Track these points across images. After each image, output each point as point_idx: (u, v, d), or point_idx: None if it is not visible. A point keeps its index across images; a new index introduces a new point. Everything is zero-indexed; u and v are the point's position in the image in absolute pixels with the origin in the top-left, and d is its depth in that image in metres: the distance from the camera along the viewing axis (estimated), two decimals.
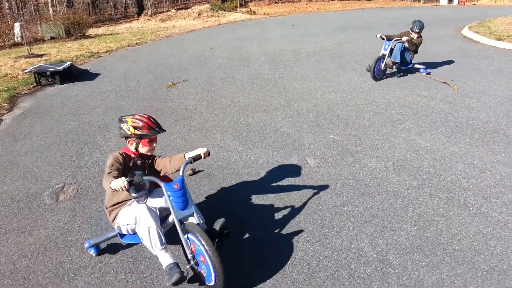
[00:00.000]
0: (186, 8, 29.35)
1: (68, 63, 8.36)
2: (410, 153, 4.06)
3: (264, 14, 25.60)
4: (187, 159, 2.55)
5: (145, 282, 2.42)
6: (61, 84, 7.85)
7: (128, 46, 13.49)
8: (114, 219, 2.56)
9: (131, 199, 2.57)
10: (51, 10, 25.67)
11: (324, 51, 10.26)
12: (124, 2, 35.39)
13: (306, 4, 33.28)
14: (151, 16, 26.08)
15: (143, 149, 2.59)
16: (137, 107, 6.21)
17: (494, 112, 5.12)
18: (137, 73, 8.70)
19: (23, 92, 7.52)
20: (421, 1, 33.90)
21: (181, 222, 2.30)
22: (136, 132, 2.44)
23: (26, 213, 3.30)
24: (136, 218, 2.37)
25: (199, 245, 2.20)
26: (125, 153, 2.57)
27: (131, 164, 2.56)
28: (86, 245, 2.68)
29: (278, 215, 3.07)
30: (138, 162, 2.61)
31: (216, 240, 2.38)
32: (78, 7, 29.22)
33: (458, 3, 31.69)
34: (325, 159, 4.03)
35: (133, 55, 11.47)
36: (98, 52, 11.93)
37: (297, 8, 29.40)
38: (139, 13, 28.50)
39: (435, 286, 2.27)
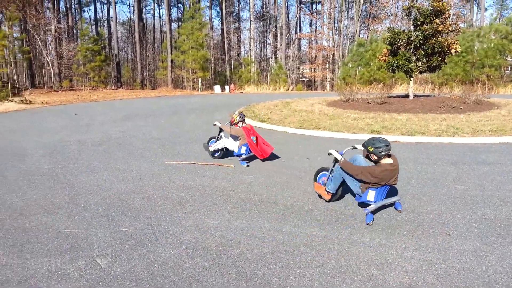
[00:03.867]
0: None
1: None
2: (201, 233, 4.25)
3: (43, 103, 23.74)
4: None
5: None
6: None
7: None
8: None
9: None
10: None
11: (111, 140, 10.11)
12: None
13: (90, 92, 32.64)
14: None
15: None
16: None
17: (266, 185, 5.96)
18: None
19: None
20: (199, 90, 37.88)
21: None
22: None
23: None
24: None
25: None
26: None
27: None
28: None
29: None
30: None
31: None
32: None
33: (229, 91, 36.88)
34: (118, 256, 3.81)
35: None
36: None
37: (80, 96, 28.48)
38: None
39: None
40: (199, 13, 39.64)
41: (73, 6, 48.80)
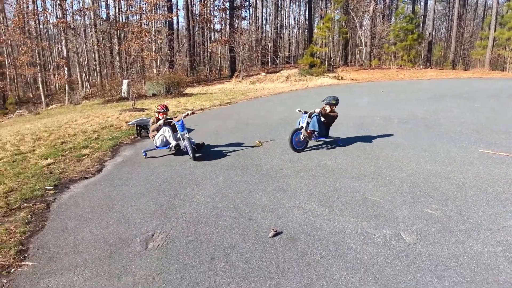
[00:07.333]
0: (275, 72, 30.79)
1: None
2: None
3: (352, 79, 25.80)
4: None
5: None
6: None
7: (220, 105, 14.34)
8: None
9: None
10: (154, 70, 28.80)
11: (417, 119, 9.86)
12: (218, 65, 38.42)
13: (397, 71, 32.96)
14: (242, 78, 27.73)
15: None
16: (224, 162, 6.39)
17: None
18: (226, 131, 9.10)
19: (125, 142, 8.24)
20: None
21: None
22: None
23: (116, 258, 3.43)
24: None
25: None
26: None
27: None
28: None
29: None
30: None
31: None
32: (178, 68, 32.30)
33: None
34: (423, 236, 3.67)
35: (224, 113, 12.12)
36: (193, 109, 12.82)
37: (387, 74, 29.20)
38: (231, 75, 30.55)
39: None
40: None
41: None
